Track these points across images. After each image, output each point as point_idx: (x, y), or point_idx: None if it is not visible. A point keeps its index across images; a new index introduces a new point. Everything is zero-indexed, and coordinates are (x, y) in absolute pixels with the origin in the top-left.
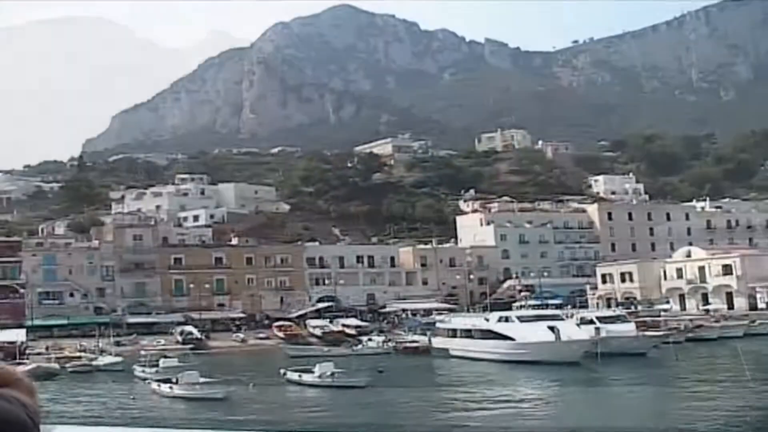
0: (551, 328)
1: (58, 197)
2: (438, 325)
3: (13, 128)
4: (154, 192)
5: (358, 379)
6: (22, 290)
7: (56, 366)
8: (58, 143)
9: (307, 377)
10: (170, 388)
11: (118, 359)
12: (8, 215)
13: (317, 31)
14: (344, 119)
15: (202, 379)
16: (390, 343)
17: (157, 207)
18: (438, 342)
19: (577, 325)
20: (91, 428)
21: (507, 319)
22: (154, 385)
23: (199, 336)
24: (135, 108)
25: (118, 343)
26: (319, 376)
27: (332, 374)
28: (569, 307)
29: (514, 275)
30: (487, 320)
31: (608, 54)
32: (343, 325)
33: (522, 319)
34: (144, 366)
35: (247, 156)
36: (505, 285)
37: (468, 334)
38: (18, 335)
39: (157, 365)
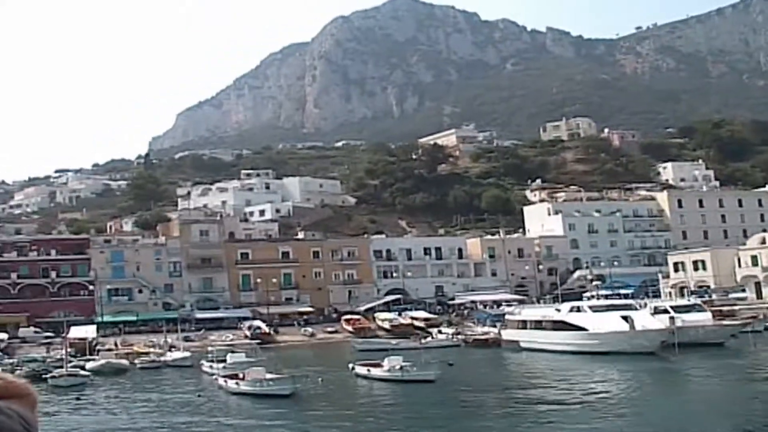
0: (625, 318)
1: (126, 194)
2: (508, 316)
3: (82, 128)
4: (220, 187)
5: (427, 372)
6: (91, 287)
7: (125, 362)
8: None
9: (375, 371)
10: (236, 383)
11: (186, 355)
12: (78, 213)
13: (378, 23)
14: (407, 111)
15: (268, 375)
16: (459, 336)
17: (223, 202)
18: (508, 334)
19: (651, 314)
20: None
21: (579, 309)
22: (221, 381)
23: (267, 330)
24: (199, 105)
25: (186, 339)
26: (388, 370)
27: (401, 368)
28: (641, 296)
29: (584, 265)
30: (558, 311)
31: (673, 39)
32: (412, 318)
33: (594, 309)
34: (211, 361)
35: (311, 150)
36: (575, 275)
37: (539, 325)
38: (87, 331)
39: (224, 360)
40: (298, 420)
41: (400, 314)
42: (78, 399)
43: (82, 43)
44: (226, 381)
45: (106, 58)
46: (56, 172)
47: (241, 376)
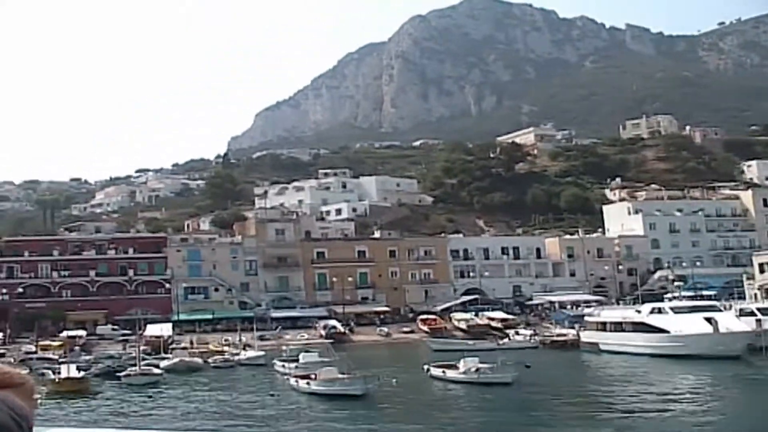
0: (708, 320)
1: (204, 194)
2: (587, 317)
3: (164, 129)
4: (297, 186)
5: (503, 375)
6: (168, 285)
7: (199, 360)
8: (206, 142)
9: (450, 373)
10: (308, 383)
11: (261, 354)
12: (157, 212)
13: (454, 22)
14: (485, 110)
15: (340, 375)
16: (537, 337)
17: (300, 201)
18: (587, 335)
19: (737, 317)
20: (85, 430)
21: (660, 311)
22: (293, 381)
23: (342, 330)
24: (277, 105)
25: (261, 338)
26: (464, 372)
27: (477, 370)
28: (725, 298)
29: (665, 265)
30: (639, 312)
31: (757, 35)
32: (489, 318)
33: (676, 311)
34: (284, 360)
35: (388, 149)
36: (656, 275)
37: (619, 327)
38: (163, 329)
39: (297, 360)
40: (369, 421)
41: (476, 314)
42: (150, 397)
43: (165, 44)
44: (297, 381)
45: (188, 59)
46: (137, 171)
47: (313, 375)
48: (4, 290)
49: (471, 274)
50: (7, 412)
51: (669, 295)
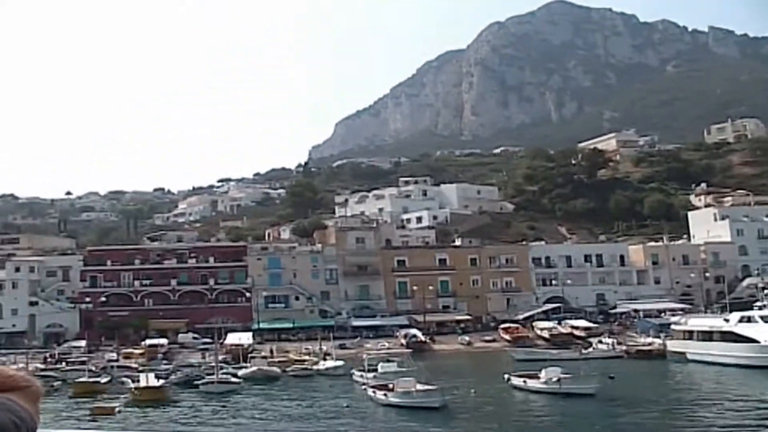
0: None
1: (285, 203)
2: (673, 326)
3: (246, 139)
4: (377, 195)
5: (586, 386)
6: (248, 294)
7: (276, 369)
8: (287, 151)
9: (532, 383)
10: (385, 395)
11: (340, 363)
12: (238, 221)
13: (533, 28)
14: (566, 117)
15: (418, 386)
16: (621, 346)
17: (380, 209)
18: (674, 345)
19: None
20: None
21: (749, 320)
22: (370, 392)
23: (423, 339)
24: (357, 114)
25: (342, 346)
26: (545, 382)
27: (559, 380)
28: None
29: (753, 272)
30: (727, 321)
31: None
32: (572, 327)
33: (766, 320)
34: (362, 370)
35: (469, 157)
36: (744, 283)
37: (707, 336)
38: (242, 338)
39: (375, 370)
40: None
41: (559, 323)
42: (224, 406)
43: (245, 58)
44: (374, 392)
45: (267, 71)
46: (219, 181)
47: (390, 386)
48: (88, 299)
49: (553, 282)
50: (7, 414)
51: (758, 304)
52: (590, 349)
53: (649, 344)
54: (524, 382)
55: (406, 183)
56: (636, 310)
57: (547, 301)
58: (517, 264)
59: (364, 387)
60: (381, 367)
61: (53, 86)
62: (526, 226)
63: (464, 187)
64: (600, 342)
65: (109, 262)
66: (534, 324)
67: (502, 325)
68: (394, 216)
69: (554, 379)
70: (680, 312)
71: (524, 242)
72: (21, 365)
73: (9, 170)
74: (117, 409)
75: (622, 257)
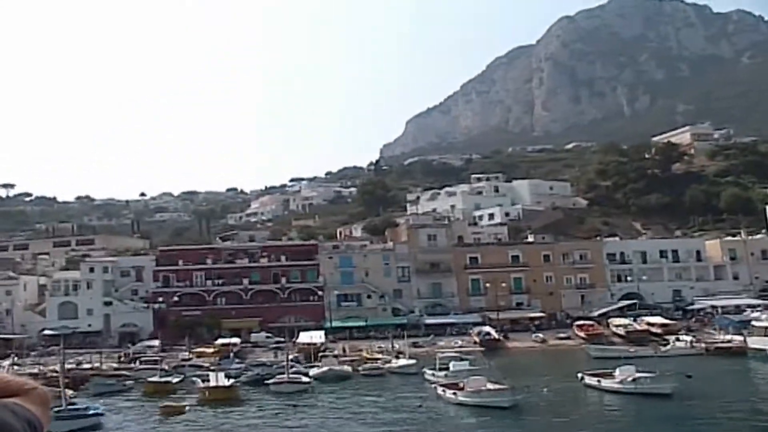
0: None
1: (356, 201)
2: (754, 323)
3: (318, 138)
4: (449, 192)
5: (662, 385)
6: (320, 292)
7: (348, 369)
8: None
9: (606, 382)
10: (455, 394)
11: (412, 362)
12: (310, 220)
13: (604, 22)
14: (639, 111)
15: (489, 385)
16: (700, 344)
17: (452, 206)
18: (754, 342)
19: None
20: None
21: None
22: (440, 390)
23: (497, 336)
24: (428, 111)
25: (414, 345)
26: (620, 382)
27: (634, 380)
28: None
29: None
30: None
31: None
32: (648, 324)
33: None
34: (434, 369)
35: (541, 153)
36: None
37: None
38: (314, 337)
39: (447, 368)
40: None
41: (635, 320)
42: (295, 406)
43: (317, 57)
44: (445, 390)
45: (338, 70)
46: (291, 181)
47: (461, 385)
48: (161, 298)
49: (628, 278)
50: (12, 416)
51: None
52: (668, 347)
53: (729, 341)
54: (598, 381)
55: (478, 180)
56: (714, 307)
57: (622, 298)
58: (591, 260)
59: (434, 386)
60: (453, 366)
61: (126, 88)
62: (600, 221)
63: (536, 183)
64: (677, 339)
65: (181, 262)
66: (609, 321)
67: (577, 322)
68: (466, 213)
69: (629, 379)
70: (760, 308)
71: (598, 238)
72: (96, 364)
73: (85, 173)
74: (186, 408)
75: (698, 252)
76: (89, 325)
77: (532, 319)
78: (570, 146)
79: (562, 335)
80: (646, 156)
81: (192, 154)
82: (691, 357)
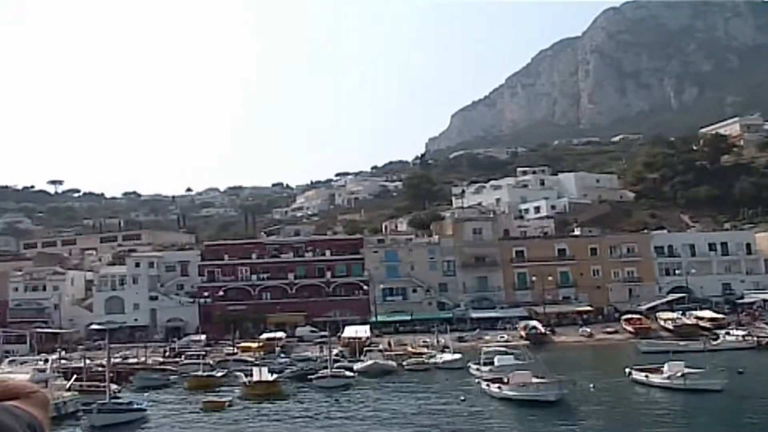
0: None
1: (401, 195)
2: None
3: (363, 133)
4: (494, 185)
5: (713, 381)
6: (365, 287)
7: (393, 363)
8: (404, 144)
9: (654, 378)
10: (499, 388)
11: (457, 356)
12: (356, 214)
13: (650, 13)
14: (686, 103)
15: (534, 380)
16: (751, 337)
17: (497, 200)
18: None
19: None
20: None
21: None
22: (484, 385)
23: (543, 330)
24: (473, 105)
25: (460, 339)
26: (668, 377)
27: (683, 375)
28: None
29: None
30: None
31: None
32: (697, 318)
33: None
34: (478, 363)
35: (587, 146)
36: None
37: None
38: (359, 331)
39: (491, 363)
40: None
41: (683, 314)
42: (336, 401)
43: (362, 49)
44: (489, 385)
45: (383, 64)
46: (336, 175)
47: (505, 380)
48: (206, 293)
49: (677, 271)
50: (13, 419)
51: None
52: (718, 341)
53: None
54: (646, 376)
55: (524, 173)
56: (765, 300)
57: (671, 291)
58: (638, 253)
59: (478, 381)
60: (497, 360)
61: (174, 84)
62: (648, 214)
63: (582, 175)
64: (728, 333)
65: (226, 257)
66: (657, 315)
67: (625, 316)
68: (511, 206)
69: (678, 374)
70: None
71: (646, 231)
72: (141, 359)
73: (132, 169)
74: (228, 403)
75: (748, 245)
76: (135, 320)
77: (579, 313)
78: (617, 139)
79: (609, 329)
80: (694, 148)
81: (238, 149)
82: (742, 351)
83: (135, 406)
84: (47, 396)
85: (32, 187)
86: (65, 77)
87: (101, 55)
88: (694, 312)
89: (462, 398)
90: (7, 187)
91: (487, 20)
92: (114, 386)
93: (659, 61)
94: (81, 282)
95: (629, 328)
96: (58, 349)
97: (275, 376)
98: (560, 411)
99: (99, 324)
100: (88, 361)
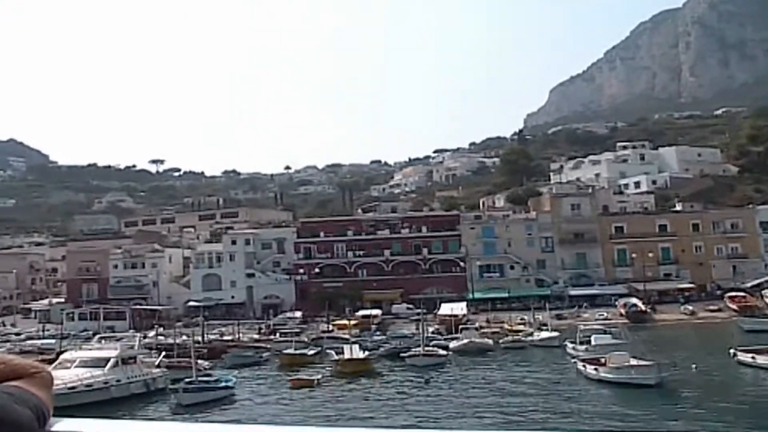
0: None
1: (499, 171)
2: None
3: (462, 110)
4: (593, 160)
5: None
6: (462, 264)
7: (489, 341)
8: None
9: (761, 359)
10: (596, 369)
11: (554, 335)
12: (453, 191)
13: None
14: None
15: (632, 361)
16: None
17: (596, 175)
18: None
19: None
20: (97, 420)
21: None
22: (580, 365)
23: (643, 308)
24: (571, 80)
25: (558, 317)
26: None
27: None
28: None
29: None
30: None
31: None
32: None
33: None
34: (575, 342)
35: (689, 120)
36: None
37: None
38: (455, 308)
39: (588, 342)
40: (662, 416)
41: None
42: (427, 381)
43: (458, 30)
44: (585, 366)
45: (482, 43)
46: (434, 152)
47: (602, 361)
48: (302, 270)
49: None
50: (10, 399)
51: None
52: None
53: None
54: (753, 357)
55: (624, 148)
56: None
57: None
58: (743, 229)
59: (574, 360)
60: (594, 339)
61: (270, 65)
62: (752, 188)
63: (684, 150)
64: None
65: (322, 234)
66: (763, 293)
67: (729, 294)
68: (611, 182)
69: None
70: None
71: (750, 206)
72: (237, 335)
73: (232, 148)
74: (317, 381)
75: None
76: (233, 297)
77: (680, 290)
78: (719, 112)
79: (712, 307)
80: None
81: (337, 127)
82: None
83: (222, 384)
84: (51, 375)
85: (134, 166)
86: (169, 60)
87: (199, 37)
88: None
89: (555, 380)
90: (109, 166)
91: None
92: (206, 363)
93: (764, 32)
94: (179, 259)
95: (733, 306)
96: (156, 326)
97: (366, 353)
98: (660, 395)
99: (196, 301)
100: (185, 338)
